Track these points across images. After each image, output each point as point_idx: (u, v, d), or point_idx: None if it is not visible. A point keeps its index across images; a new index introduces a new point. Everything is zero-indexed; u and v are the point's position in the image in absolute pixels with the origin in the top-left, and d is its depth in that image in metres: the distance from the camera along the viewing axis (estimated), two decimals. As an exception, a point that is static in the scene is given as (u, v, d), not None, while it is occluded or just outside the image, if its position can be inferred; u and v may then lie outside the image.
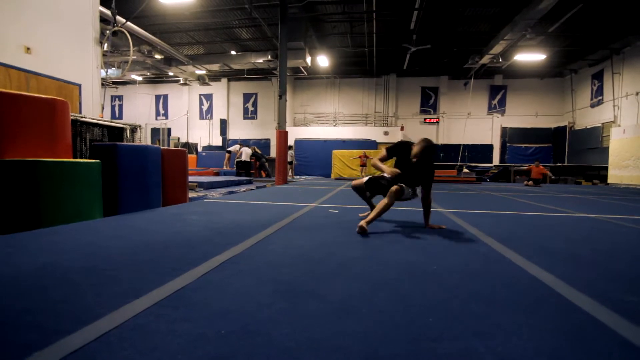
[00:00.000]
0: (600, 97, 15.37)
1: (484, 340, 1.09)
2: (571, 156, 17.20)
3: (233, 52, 15.75)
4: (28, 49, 5.41)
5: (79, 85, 6.14)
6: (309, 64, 14.74)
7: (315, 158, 18.11)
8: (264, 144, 20.26)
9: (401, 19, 12.28)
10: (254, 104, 20.79)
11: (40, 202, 2.86)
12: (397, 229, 3.05)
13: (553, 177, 12.99)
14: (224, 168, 14.21)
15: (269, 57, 14.82)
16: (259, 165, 14.02)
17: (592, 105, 16.02)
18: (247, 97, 20.85)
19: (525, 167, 12.89)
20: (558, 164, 17.10)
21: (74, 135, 4.20)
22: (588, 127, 16.20)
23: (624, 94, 13.91)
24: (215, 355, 0.96)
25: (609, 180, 13.93)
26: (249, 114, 20.92)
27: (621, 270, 1.94)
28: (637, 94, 13.22)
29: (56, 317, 1.18)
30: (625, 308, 1.36)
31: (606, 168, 14.21)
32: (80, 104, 6.12)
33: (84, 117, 4.67)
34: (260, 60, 15.35)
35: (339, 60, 16.94)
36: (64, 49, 6.01)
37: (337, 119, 20.06)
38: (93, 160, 3.36)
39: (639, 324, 1.22)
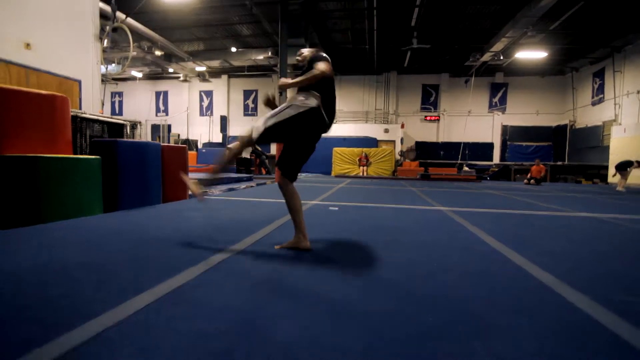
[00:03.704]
0: (601, 96, 15.34)
1: (483, 341, 1.09)
2: (572, 155, 17.18)
3: (233, 49, 15.70)
4: (28, 44, 5.39)
5: (79, 81, 6.13)
6: (310, 60, 14.69)
7: (315, 155, 17.89)
8: (264, 141, 20.19)
9: (402, 16, 12.23)
10: (254, 101, 20.75)
11: (41, 197, 2.86)
12: (397, 226, 3.05)
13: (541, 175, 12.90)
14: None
15: (270, 53, 14.78)
16: (259, 163, 14.01)
17: (593, 104, 15.99)
18: (247, 93, 20.81)
19: (530, 170, 12.85)
20: (558, 163, 17.08)
21: (74, 131, 4.20)
22: (589, 125, 16.18)
23: (625, 92, 13.88)
24: (215, 352, 0.96)
25: (609, 180, 13.92)
26: (250, 110, 20.89)
27: (621, 271, 1.94)
28: (638, 92, 13.19)
29: (56, 313, 1.18)
30: (625, 309, 1.36)
31: (607, 167, 14.19)
32: (80, 100, 6.11)
33: (84, 113, 4.66)
34: (260, 57, 15.32)
35: (340, 57, 16.88)
36: (64, 45, 5.99)
37: (337, 116, 20.03)
38: (93, 157, 3.35)
39: (638, 325, 1.22)
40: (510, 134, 18.67)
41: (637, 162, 9.93)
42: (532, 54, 14.03)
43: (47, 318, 1.15)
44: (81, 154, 4.35)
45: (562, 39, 13.71)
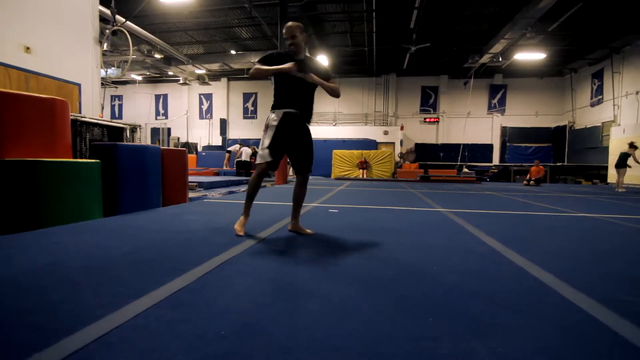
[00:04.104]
0: (600, 97, 15.36)
1: (483, 341, 1.09)
2: (571, 156, 17.19)
3: (233, 52, 15.75)
4: (28, 48, 5.41)
5: (79, 85, 6.14)
6: (309, 63, 14.72)
7: (315, 158, 18.05)
8: (264, 144, 20.22)
9: (401, 18, 12.27)
10: (254, 104, 20.78)
11: (41, 202, 2.86)
12: (398, 229, 3.05)
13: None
14: (224, 168, 14.19)
15: (269, 56, 14.80)
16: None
17: (592, 105, 16.02)
18: (247, 96, 20.85)
19: (530, 171, 12.81)
20: (558, 164, 17.10)
21: (74, 135, 4.20)
22: (588, 126, 16.20)
23: (623, 93, 13.90)
24: (215, 356, 0.96)
25: (609, 180, 13.92)
26: (249, 113, 20.92)
27: (621, 270, 1.94)
28: (637, 93, 13.21)
29: (56, 318, 1.18)
30: (625, 308, 1.36)
31: (606, 167, 14.20)
32: (80, 103, 6.12)
33: (84, 117, 4.66)
34: (260, 60, 15.33)
35: (339, 60, 16.93)
36: (64, 49, 6.00)
37: (337, 119, 20.05)
38: (93, 160, 3.36)
39: (638, 324, 1.22)
40: (509, 135, 18.69)
41: (629, 144, 9.66)
42: (530, 56, 14.06)
43: (47, 323, 1.14)
44: (81, 157, 4.35)
45: (561, 41, 13.74)
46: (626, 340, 1.11)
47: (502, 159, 18.65)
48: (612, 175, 13.75)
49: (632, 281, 1.74)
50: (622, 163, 9.77)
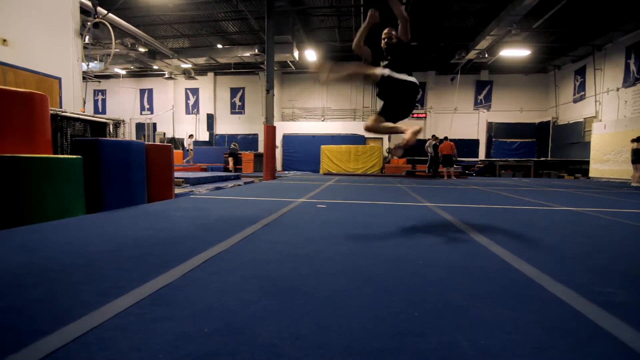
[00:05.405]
0: (583, 93, 15.69)
1: (467, 334, 1.09)
2: (554, 151, 17.56)
3: (219, 46, 15.52)
4: (4, 40, 5.22)
5: (59, 79, 5.97)
6: (297, 58, 14.64)
7: (303, 153, 18.07)
8: (252, 139, 20.11)
9: (388, 14, 12.25)
10: (242, 99, 20.56)
11: (21, 199, 2.78)
12: (385, 223, 3.06)
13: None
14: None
15: (256, 50, 14.65)
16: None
17: (575, 101, 16.36)
18: (234, 91, 20.60)
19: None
20: (542, 159, 17.45)
21: (54, 130, 4.08)
22: (571, 122, 16.55)
23: (605, 89, 14.23)
24: (198, 355, 0.95)
25: (591, 174, 14.28)
26: (237, 108, 20.69)
27: (602, 263, 1.98)
28: (617, 89, 13.54)
29: (33, 318, 1.14)
30: (606, 300, 1.39)
31: (588, 162, 14.56)
32: (60, 98, 5.95)
33: (65, 112, 4.54)
34: (247, 54, 15.17)
35: (327, 55, 16.85)
36: (43, 41, 5.82)
37: (325, 114, 20.01)
38: (74, 156, 3.27)
39: (618, 316, 1.25)
40: (495, 130, 18.97)
41: (632, 141, 10.22)
42: (516, 52, 14.26)
43: (22, 322, 1.11)
44: (62, 153, 4.23)
45: (545, 38, 13.97)
46: (605, 331, 1.14)
47: (487, 154, 18.92)
48: (593, 169, 14.12)
49: (613, 273, 1.79)
50: (638, 159, 10.16)
